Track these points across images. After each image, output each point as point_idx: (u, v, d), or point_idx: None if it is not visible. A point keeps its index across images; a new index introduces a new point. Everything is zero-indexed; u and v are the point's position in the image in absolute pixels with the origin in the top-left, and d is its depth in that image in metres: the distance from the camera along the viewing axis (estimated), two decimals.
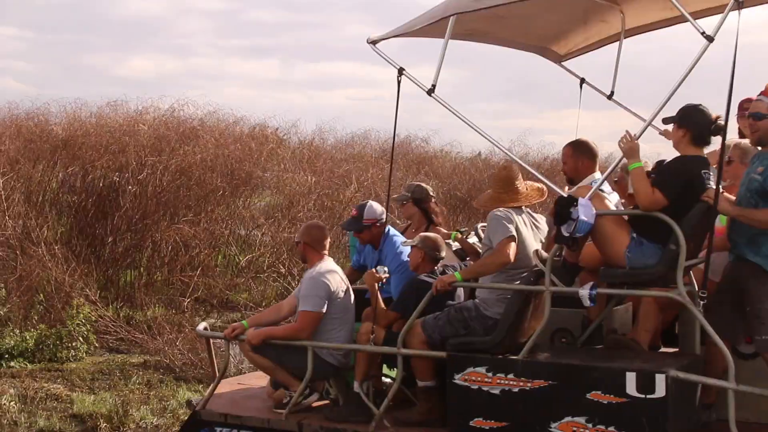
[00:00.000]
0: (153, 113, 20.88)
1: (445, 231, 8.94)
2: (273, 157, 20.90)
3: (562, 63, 9.29)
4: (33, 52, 55.14)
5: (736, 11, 6.32)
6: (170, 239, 18.64)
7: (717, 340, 6.44)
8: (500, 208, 7.19)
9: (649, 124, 6.83)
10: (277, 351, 7.93)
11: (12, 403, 13.51)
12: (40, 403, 13.70)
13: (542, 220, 7.51)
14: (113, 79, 53.11)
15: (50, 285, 17.02)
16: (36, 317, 16.50)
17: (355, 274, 8.89)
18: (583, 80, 9.00)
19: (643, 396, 6.42)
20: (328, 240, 8.31)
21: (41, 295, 17.02)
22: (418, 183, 9.57)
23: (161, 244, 18.97)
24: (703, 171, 6.71)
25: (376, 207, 8.76)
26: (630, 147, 6.76)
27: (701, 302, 6.53)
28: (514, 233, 7.03)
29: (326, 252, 8.19)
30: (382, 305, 7.83)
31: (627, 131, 6.87)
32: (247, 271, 18.07)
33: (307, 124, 25.15)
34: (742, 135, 8.26)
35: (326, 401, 8.23)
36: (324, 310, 7.85)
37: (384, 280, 8.00)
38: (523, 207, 7.38)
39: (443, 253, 8.01)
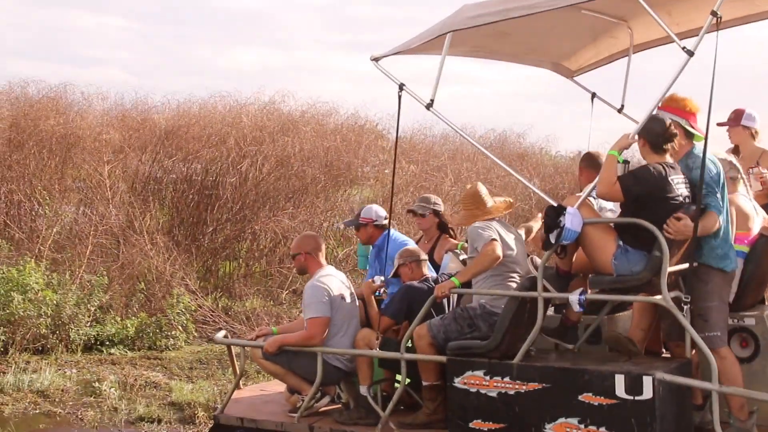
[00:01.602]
0: (255, 105, 21.89)
1: (455, 241, 9.64)
2: (371, 150, 21.78)
3: (574, 78, 9.90)
4: (138, 42, 57.03)
5: (715, 32, 7.00)
6: (269, 230, 19.58)
7: (699, 342, 7.07)
8: (476, 222, 8.01)
9: (636, 131, 7.39)
10: (287, 357, 8.60)
11: (112, 389, 14.55)
12: (139, 391, 14.66)
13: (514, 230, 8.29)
14: (217, 72, 54.56)
15: (151, 274, 18.17)
16: (137, 305, 17.63)
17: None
18: (594, 94, 9.61)
19: (631, 397, 7.00)
20: (324, 247, 9.01)
21: (142, 283, 18.12)
22: (429, 195, 10.49)
23: (260, 236, 19.96)
24: (670, 177, 7.30)
25: (375, 209, 9.72)
26: (621, 138, 7.39)
27: (684, 306, 7.16)
28: (495, 236, 7.80)
29: (323, 260, 8.87)
30: (376, 311, 8.61)
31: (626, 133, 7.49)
32: (345, 264, 18.68)
33: (406, 119, 25.60)
34: (735, 145, 9.07)
35: (338, 405, 8.84)
36: (328, 315, 8.49)
37: (380, 290, 8.87)
38: (496, 219, 8.18)
39: (423, 255, 8.80)
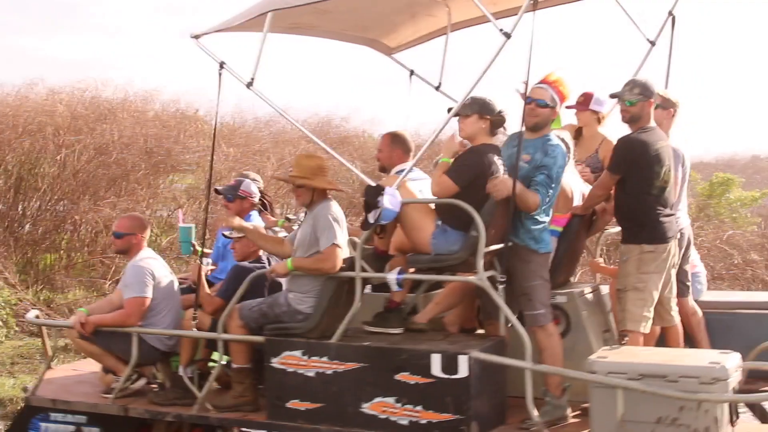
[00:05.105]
0: (72, 93, 21.31)
1: (273, 218, 9.56)
2: (193, 137, 21.45)
3: (392, 55, 9.89)
4: None
5: (532, 12, 7.00)
6: (90, 220, 19.10)
7: (513, 320, 7.10)
8: (333, 208, 7.73)
9: (454, 113, 7.37)
10: (104, 337, 8.40)
11: None
12: None
13: None
14: (39, 60, 53.28)
15: None
16: None
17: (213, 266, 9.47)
18: (412, 72, 9.70)
19: (447, 376, 7.00)
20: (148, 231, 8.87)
21: None
22: (248, 171, 10.38)
23: (81, 226, 19.46)
24: (497, 158, 7.38)
25: (254, 186, 9.48)
26: (449, 143, 7.45)
27: (500, 286, 7.16)
28: (341, 242, 7.58)
29: (145, 243, 8.74)
30: (207, 292, 8.45)
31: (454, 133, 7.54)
32: (170, 252, 18.52)
33: (227, 103, 25.18)
34: (579, 128, 9.02)
35: (154, 386, 8.68)
36: (149, 296, 8.36)
37: (209, 272, 8.72)
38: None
39: None
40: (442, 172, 7.33)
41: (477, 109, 7.44)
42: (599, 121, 8.91)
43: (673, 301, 8.07)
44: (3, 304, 16.47)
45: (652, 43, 8.87)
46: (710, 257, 17.44)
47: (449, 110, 7.53)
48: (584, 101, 8.85)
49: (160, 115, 21.64)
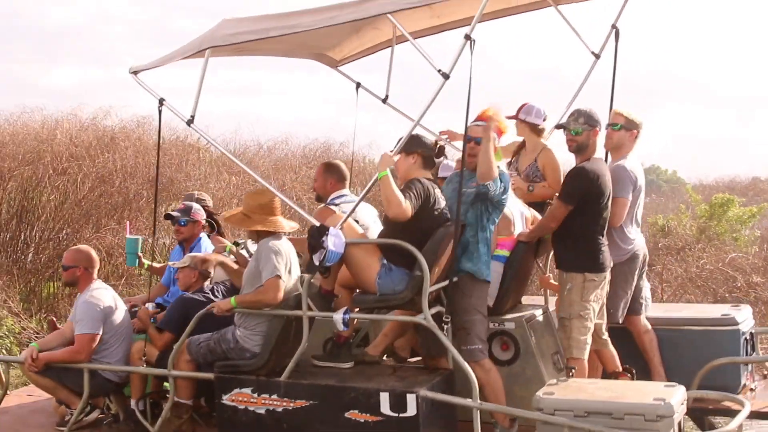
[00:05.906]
0: (72, 121, 21.41)
1: (223, 241, 9.54)
2: (195, 165, 21.52)
3: (339, 68, 9.97)
4: None
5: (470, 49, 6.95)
6: (93, 248, 19.21)
7: (461, 361, 7.09)
8: (274, 241, 7.65)
9: (399, 149, 7.37)
10: (57, 371, 8.43)
11: None
12: None
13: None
14: (36, 89, 53.54)
15: None
16: None
17: (164, 290, 9.55)
18: (359, 84, 9.79)
19: (396, 414, 7.01)
20: (98, 263, 8.88)
21: None
22: (202, 192, 10.39)
23: None
24: (435, 191, 7.40)
25: (201, 211, 9.57)
26: (384, 159, 7.27)
27: (445, 325, 7.18)
28: (283, 272, 7.52)
29: (95, 275, 8.78)
30: (155, 332, 8.43)
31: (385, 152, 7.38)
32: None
33: (226, 131, 24.96)
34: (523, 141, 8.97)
35: (107, 415, 8.70)
36: (99, 332, 8.37)
37: (156, 316, 8.67)
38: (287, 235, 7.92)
39: (212, 269, 8.68)
40: (395, 191, 7.14)
41: (401, 148, 7.41)
42: (537, 133, 8.85)
43: (605, 326, 8.11)
44: (7, 333, 16.51)
45: (597, 56, 8.83)
46: (713, 280, 17.33)
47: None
48: (517, 111, 8.81)
49: (162, 144, 21.61)
